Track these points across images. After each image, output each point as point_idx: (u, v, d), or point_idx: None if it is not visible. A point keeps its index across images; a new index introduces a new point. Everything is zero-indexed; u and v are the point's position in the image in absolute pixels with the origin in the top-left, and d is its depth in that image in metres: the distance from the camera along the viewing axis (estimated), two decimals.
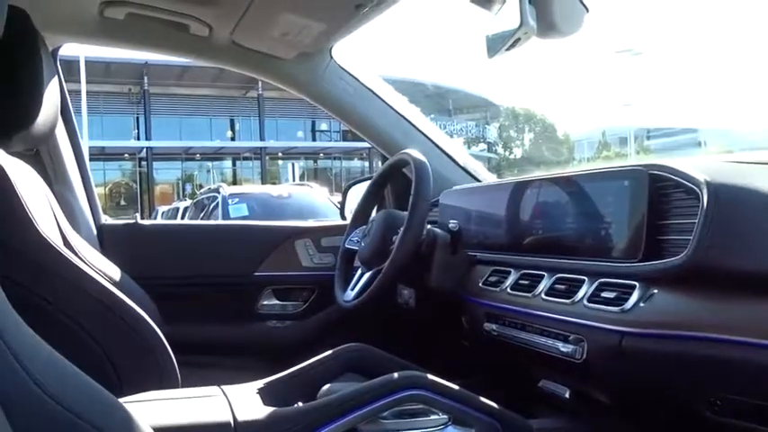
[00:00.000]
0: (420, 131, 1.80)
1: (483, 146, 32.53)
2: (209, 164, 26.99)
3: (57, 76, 1.11)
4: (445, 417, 1.00)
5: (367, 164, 25.74)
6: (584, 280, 1.03)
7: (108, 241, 1.69)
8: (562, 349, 1.02)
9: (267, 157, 26.18)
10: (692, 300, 0.85)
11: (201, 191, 10.39)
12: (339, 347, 1.22)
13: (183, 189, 24.67)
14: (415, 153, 1.41)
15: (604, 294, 0.97)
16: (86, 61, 17.78)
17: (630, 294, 0.92)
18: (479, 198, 1.52)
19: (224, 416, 0.96)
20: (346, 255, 1.60)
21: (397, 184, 1.77)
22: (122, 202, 23.79)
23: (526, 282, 1.18)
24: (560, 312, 1.04)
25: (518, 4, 1.02)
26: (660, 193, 0.93)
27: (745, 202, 0.83)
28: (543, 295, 1.10)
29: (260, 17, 1.47)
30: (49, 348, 0.58)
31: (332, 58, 1.73)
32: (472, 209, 1.49)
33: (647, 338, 0.88)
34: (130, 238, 1.75)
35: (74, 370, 0.59)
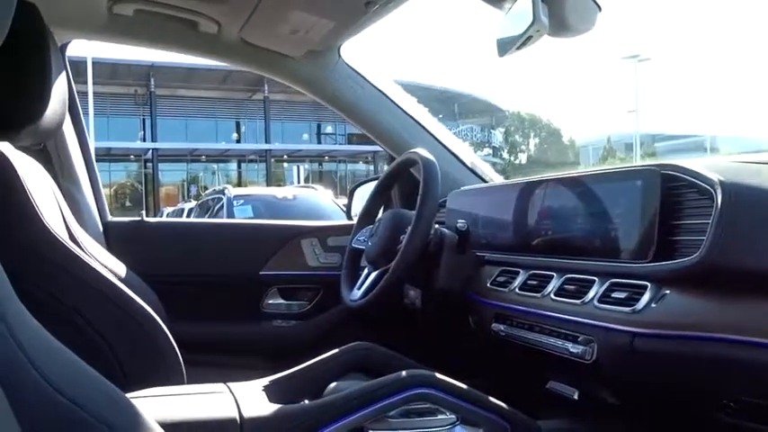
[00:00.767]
0: (428, 132, 1.79)
1: (488, 150, 32.56)
2: (215, 166, 27.09)
3: (65, 72, 1.10)
4: (453, 416, 0.99)
5: (372, 167, 25.78)
6: (595, 280, 1.02)
7: (114, 238, 1.69)
8: (572, 350, 1.01)
9: (272, 160, 26.25)
10: (705, 300, 0.84)
11: (207, 192, 10.41)
12: (346, 346, 1.21)
13: (188, 191, 24.74)
14: (423, 152, 1.40)
15: (615, 295, 0.95)
16: (93, 62, 17.87)
17: (642, 295, 0.91)
18: (487, 198, 1.51)
19: (230, 412, 0.95)
20: (353, 254, 1.59)
21: (404, 185, 1.76)
22: (128, 203, 23.87)
23: (535, 282, 1.16)
24: (570, 313, 1.03)
25: (530, 2, 1.01)
26: (672, 193, 0.92)
27: (759, 202, 0.82)
28: (552, 296, 1.09)
29: (269, 14, 1.47)
30: (56, 342, 0.58)
31: (340, 56, 1.73)
32: (480, 209, 1.48)
33: (659, 339, 0.87)
34: (136, 236, 1.75)
35: (80, 364, 0.59)
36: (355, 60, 1.76)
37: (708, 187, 0.85)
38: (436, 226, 1.39)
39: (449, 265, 1.38)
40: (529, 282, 1.18)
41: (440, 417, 0.99)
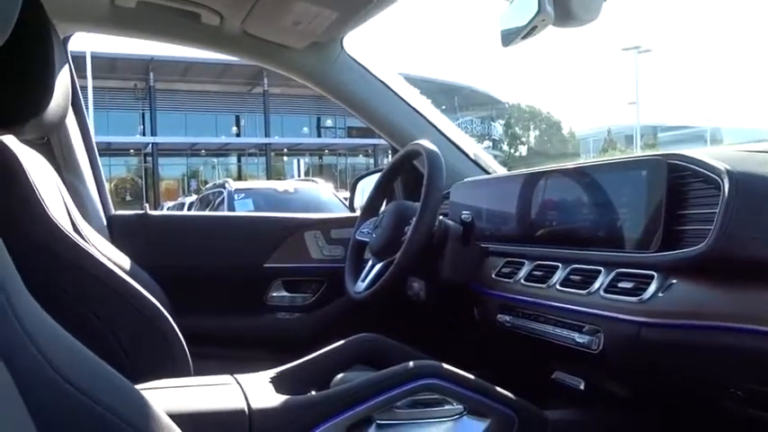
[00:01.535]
0: (431, 123, 1.79)
1: (488, 143, 32.52)
2: (215, 160, 27.07)
3: (67, 65, 1.10)
4: (460, 407, 1.00)
5: (372, 161, 25.76)
6: (601, 270, 1.02)
7: (118, 232, 1.69)
8: (578, 340, 1.01)
9: (272, 154, 26.23)
10: (712, 289, 0.84)
11: (207, 186, 10.41)
12: (352, 337, 1.21)
13: (189, 185, 24.74)
14: (427, 143, 1.40)
15: (621, 285, 0.96)
16: (92, 56, 17.83)
17: (649, 284, 0.91)
18: (491, 190, 1.51)
19: (238, 403, 0.96)
20: (357, 246, 1.59)
21: (408, 177, 1.76)
22: (128, 198, 23.86)
23: (540, 273, 1.16)
24: (576, 303, 1.03)
25: None
26: (678, 182, 0.92)
27: (765, 191, 0.82)
28: (558, 286, 1.09)
29: (271, 5, 1.46)
30: (66, 334, 0.58)
31: (343, 48, 1.72)
32: (484, 200, 1.48)
33: (666, 329, 0.87)
34: (140, 229, 1.75)
35: (90, 355, 0.59)
36: (358, 52, 1.75)
37: (714, 176, 0.85)
38: (440, 217, 1.39)
39: (453, 257, 1.38)
40: (534, 272, 1.18)
41: (447, 407, 1.00)
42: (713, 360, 0.83)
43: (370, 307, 1.47)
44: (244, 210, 7.18)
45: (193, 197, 11.32)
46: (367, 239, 1.54)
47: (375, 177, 1.72)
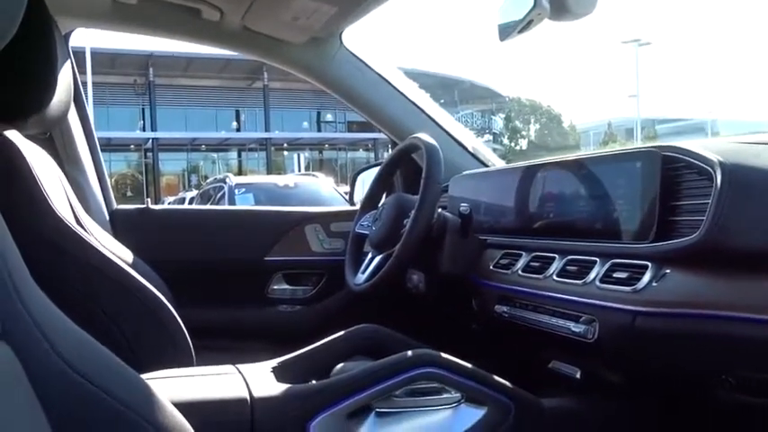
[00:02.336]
0: (430, 117, 1.80)
1: (488, 137, 32.47)
2: (215, 155, 27.05)
3: (69, 61, 1.11)
4: (458, 395, 1.01)
5: (372, 155, 25.73)
6: (596, 261, 1.03)
7: (120, 226, 1.71)
8: (574, 329, 1.02)
9: (272, 148, 26.20)
10: (704, 278, 0.85)
11: (208, 181, 10.40)
12: (352, 328, 1.23)
13: (189, 180, 24.72)
14: (425, 137, 1.41)
15: (616, 275, 0.97)
16: (92, 52, 17.79)
17: (643, 274, 0.92)
18: (489, 183, 1.52)
19: (240, 392, 0.97)
20: (356, 239, 1.61)
21: (407, 170, 1.78)
22: (129, 193, 23.85)
23: (537, 264, 1.18)
24: (572, 293, 1.05)
25: None
26: (672, 174, 0.94)
27: (757, 182, 0.83)
28: (555, 277, 1.10)
29: (271, 1, 1.47)
30: (73, 325, 0.59)
31: (342, 43, 1.74)
32: (482, 193, 1.50)
33: (660, 317, 0.88)
34: (143, 223, 1.76)
35: (96, 345, 0.60)
36: (357, 46, 1.76)
37: (707, 168, 0.87)
38: (439, 210, 1.40)
39: (452, 249, 1.39)
40: (531, 264, 1.20)
41: (445, 395, 1.01)
42: (705, 348, 0.85)
43: (370, 299, 1.48)
44: (245, 204, 7.18)
45: (194, 192, 11.32)
46: (367, 232, 1.55)
47: (375, 171, 1.73)
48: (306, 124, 27.13)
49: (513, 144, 38.00)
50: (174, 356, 1.15)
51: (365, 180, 1.97)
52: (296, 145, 26.51)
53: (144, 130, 24.58)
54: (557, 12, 1.03)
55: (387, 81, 1.79)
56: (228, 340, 1.72)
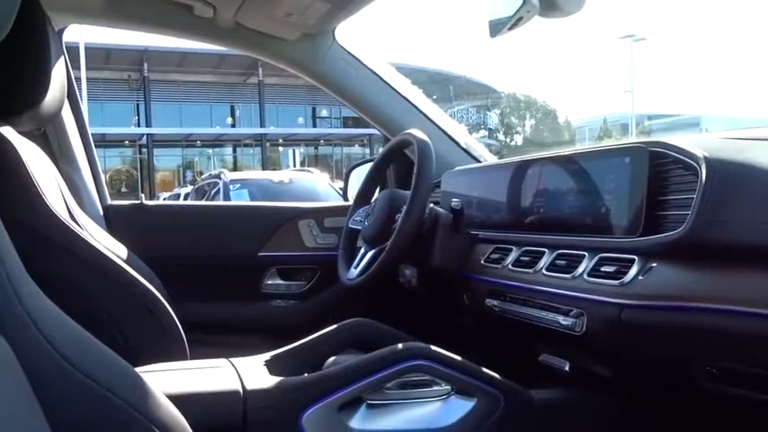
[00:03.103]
0: (422, 113, 1.81)
1: (484, 132, 32.48)
2: (210, 150, 26.98)
3: (63, 57, 1.12)
4: (448, 387, 1.03)
5: (368, 150, 25.70)
6: (585, 255, 1.04)
7: (114, 221, 1.71)
8: (562, 322, 1.04)
9: (268, 144, 26.15)
10: (689, 272, 0.87)
11: (203, 177, 10.38)
12: (344, 322, 1.24)
13: (184, 176, 24.67)
14: (417, 133, 1.42)
15: (604, 269, 0.98)
16: (86, 48, 17.72)
17: (630, 268, 0.94)
18: (481, 178, 1.53)
19: (233, 384, 0.98)
20: (349, 234, 1.62)
21: (400, 166, 1.79)
22: (123, 189, 23.78)
23: (527, 258, 1.19)
24: (561, 287, 1.06)
25: None
26: (659, 169, 0.95)
27: (742, 177, 0.84)
28: (544, 271, 1.12)
29: None
30: (68, 319, 0.60)
31: (335, 39, 1.74)
32: (474, 189, 1.51)
33: (645, 310, 0.90)
34: (137, 219, 1.77)
35: (90, 338, 0.61)
36: (350, 43, 1.77)
37: (693, 163, 0.88)
38: (431, 205, 1.42)
39: (443, 244, 1.41)
40: (522, 258, 1.21)
41: (435, 387, 1.03)
42: (690, 339, 0.86)
43: (362, 293, 1.50)
44: (239, 200, 7.18)
45: (189, 188, 11.30)
46: (359, 227, 1.56)
47: (368, 167, 1.74)
48: (301, 120, 27.09)
49: (508, 140, 38.00)
50: (168, 351, 1.16)
51: (359, 176, 1.97)
52: (291, 141, 26.46)
53: (138, 126, 24.49)
54: (546, 9, 1.05)
55: (379, 77, 1.79)
56: (222, 335, 1.73)
